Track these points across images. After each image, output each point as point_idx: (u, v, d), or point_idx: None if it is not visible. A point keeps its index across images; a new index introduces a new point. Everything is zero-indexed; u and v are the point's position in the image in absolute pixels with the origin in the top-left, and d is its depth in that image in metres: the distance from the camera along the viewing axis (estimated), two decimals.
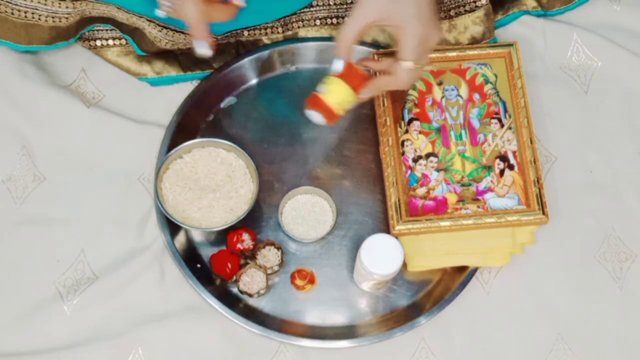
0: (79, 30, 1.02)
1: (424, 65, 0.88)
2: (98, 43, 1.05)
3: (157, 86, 1.06)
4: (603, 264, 1.00)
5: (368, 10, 0.84)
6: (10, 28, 0.99)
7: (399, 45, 0.86)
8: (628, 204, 1.03)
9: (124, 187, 1.00)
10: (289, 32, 1.08)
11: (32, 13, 0.98)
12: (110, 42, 1.05)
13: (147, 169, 1.01)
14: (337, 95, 0.89)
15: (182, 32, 1.00)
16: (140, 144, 1.02)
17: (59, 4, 0.98)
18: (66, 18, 0.99)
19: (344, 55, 0.87)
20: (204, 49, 0.91)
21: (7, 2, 0.98)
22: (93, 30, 1.05)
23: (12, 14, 0.98)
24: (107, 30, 1.04)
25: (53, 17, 0.99)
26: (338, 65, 0.88)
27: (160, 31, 1.00)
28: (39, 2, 0.98)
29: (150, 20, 0.99)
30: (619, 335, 0.97)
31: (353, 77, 0.88)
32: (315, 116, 0.91)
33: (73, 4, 0.99)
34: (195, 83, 1.06)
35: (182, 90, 1.05)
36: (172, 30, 1.00)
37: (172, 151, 0.97)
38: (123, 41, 1.05)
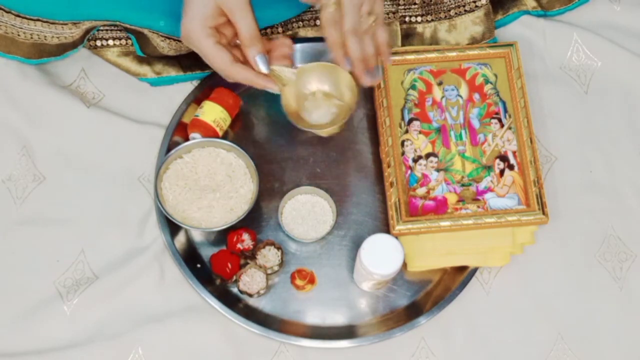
0: (85, 36, 1.03)
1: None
2: (98, 43, 1.05)
3: (157, 86, 1.06)
4: (603, 264, 1.00)
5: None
6: (20, 46, 1.01)
7: None
8: (628, 204, 1.03)
9: (124, 187, 1.00)
10: (289, 32, 1.08)
11: (38, 35, 0.99)
12: (110, 42, 1.05)
13: (147, 169, 1.01)
14: (211, 114, 0.99)
15: None
16: (140, 144, 1.02)
17: (62, 27, 0.99)
18: (71, 36, 1.00)
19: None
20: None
21: (12, 25, 0.98)
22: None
23: (19, 35, 0.99)
24: (107, 30, 1.04)
25: (58, 37, 1.00)
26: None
27: (163, 41, 1.00)
28: (42, 26, 0.99)
29: (152, 32, 0.99)
30: (619, 335, 0.97)
31: (224, 97, 1.00)
32: (197, 137, 0.99)
33: (76, 25, 0.99)
34: (195, 83, 1.06)
35: (182, 90, 1.05)
36: (175, 40, 1.00)
37: (172, 151, 0.97)
38: (123, 41, 1.05)
